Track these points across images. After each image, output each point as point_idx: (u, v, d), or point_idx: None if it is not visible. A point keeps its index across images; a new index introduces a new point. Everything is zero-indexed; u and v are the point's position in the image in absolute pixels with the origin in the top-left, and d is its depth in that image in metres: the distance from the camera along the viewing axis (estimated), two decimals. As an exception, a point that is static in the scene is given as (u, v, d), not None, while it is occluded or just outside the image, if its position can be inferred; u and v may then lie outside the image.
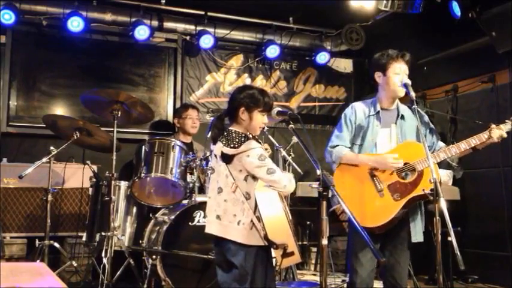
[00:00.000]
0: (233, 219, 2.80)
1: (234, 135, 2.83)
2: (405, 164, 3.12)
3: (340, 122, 3.37)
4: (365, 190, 3.16)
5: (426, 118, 3.36)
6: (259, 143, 2.88)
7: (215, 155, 2.91)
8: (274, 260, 3.02)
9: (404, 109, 3.30)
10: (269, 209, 2.73)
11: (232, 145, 2.79)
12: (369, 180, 3.16)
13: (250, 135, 2.87)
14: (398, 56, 3.24)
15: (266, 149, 3.01)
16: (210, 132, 2.93)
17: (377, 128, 3.26)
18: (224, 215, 2.82)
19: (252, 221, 2.75)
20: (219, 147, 2.85)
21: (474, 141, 3.07)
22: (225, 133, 2.87)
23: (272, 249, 2.78)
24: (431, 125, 3.35)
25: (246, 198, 2.78)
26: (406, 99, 3.31)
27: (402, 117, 3.27)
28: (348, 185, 3.20)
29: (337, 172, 3.28)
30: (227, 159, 2.81)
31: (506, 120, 3.10)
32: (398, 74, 3.21)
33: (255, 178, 2.81)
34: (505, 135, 3.06)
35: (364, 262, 3.16)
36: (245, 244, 2.77)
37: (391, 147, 3.23)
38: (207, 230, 2.93)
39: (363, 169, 3.18)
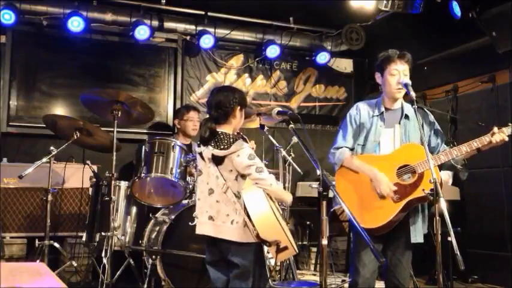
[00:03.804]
0: (226, 219, 2.84)
1: (222, 136, 2.88)
2: (406, 166, 3.11)
3: (345, 123, 3.35)
4: (365, 191, 3.15)
5: (432, 117, 3.33)
6: (246, 141, 2.93)
7: (203, 158, 2.93)
8: (272, 260, 3.02)
9: (408, 109, 3.27)
10: (256, 208, 2.75)
11: (222, 147, 2.84)
12: (369, 181, 3.15)
13: (239, 136, 2.94)
14: (396, 57, 3.21)
15: (252, 148, 3.03)
16: (201, 134, 2.94)
17: (380, 128, 3.24)
18: (217, 216, 2.87)
19: (244, 219, 2.78)
20: (209, 151, 2.88)
21: (476, 144, 3.05)
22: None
23: (266, 247, 2.80)
24: (437, 126, 3.32)
25: (237, 198, 2.82)
26: (406, 99, 3.30)
27: (406, 117, 3.25)
28: (348, 186, 3.20)
29: (338, 173, 3.29)
30: (218, 160, 2.86)
31: (509, 124, 3.09)
32: (394, 75, 3.19)
33: (244, 177, 2.85)
34: (506, 138, 3.05)
35: (367, 262, 3.16)
36: (242, 242, 2.80)
37: (395, 147, 3.22)
38: (198, 231, 2.97)
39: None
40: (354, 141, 3.29)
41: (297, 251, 2.85)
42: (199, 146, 2.98)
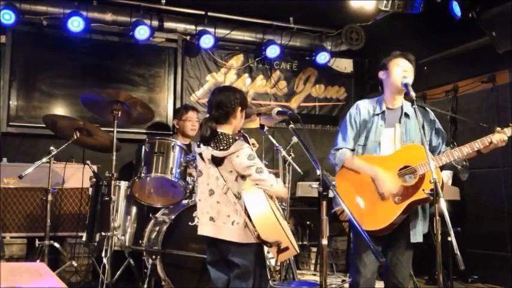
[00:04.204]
0: (227, 219, 2.83)
1: (221, 137, 2.87)
2: (407, 167, 3.10)
3: (345, 123, 3.35)
4: (366, 193, 3.15)
5: (432, 115, 3.33)
6: (247, 140, 2.93)
7: (203, 159, 2.93)
8: (272, 260, 3.02)
9: (409, 107, 3.27)
10: (257, 209, 2.74)
11: (221, 147, 2.83)
12: (370, 183, 3.14)
13: (239, 135, 2.95)
14: (400, 54, 3.27)
15: (253, 144, 3.02)
16: (202, 134, 2.93)
17: (381, 128, 3.24)
18: (218, 217, 2.86)
19: (245, 220, 2.78)
20: (208, 152, 2.87)
21: (477, 145, 3.05)
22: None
23: (267, 248, 2.80)
24: (438, 125, 3.32)
25: (237, 199, 2.81)
26: (406, 99, 3.31)
27: (407, 115, 3.25)
28: (349, 187, 3.19)
29: (339, 174, 3.28)
30: (218, 161, 2.85)
31: (510, 124, 3.09)
32: (399, 66, 3.22)
33: (244, 178, 2.85)
34: (505, 138, 3.05)
35: (368, 262, 3.15)
36: (242, 243, 2.80)
37: (395, 147, 3.22)
38: (199, 232, 2.97)
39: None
40: (355, 142, 3.29)
41: (298, 251, 2.85)
42: (198, 146, 2.97)
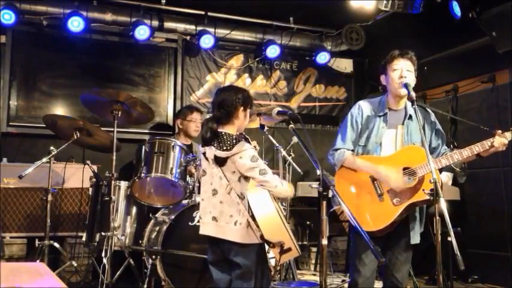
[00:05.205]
0: (230, 219, 2.83)
1: (225, 137, 2.86)
2: (406, 168, 3.10)
3: (346, 123, 3.31)
4: (365, 194, 3.14)
5: (433, 117, 3.32)
6: (249, 142, 2.92)
7: (206, 158, 2.92)
8: (274, 260, 3.01)
9: (412, 108, 3.25)
10: (262, 209, 2.75)
11: (224, 148, 2.82)
12: (369, 184, 3.14)
13: (242, 137, 2.92)
14: (397, 55, 3.22)
15: (254, 146, 3.02)
16: (202, 134, 2.92)
17: (382, 129, 3.22)
18: (220, 217, 2.86)
19: (248, 220, 2.78)
20: (211, 151, 2.87)
21: (477, 148, 3.03)
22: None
23: (270, 248, 2.80)
24: (438, 126, 3.30)
25: (240, 199, 2.81)
26: (408, 100, 3.29)
27: (410, 117, 3.23)
28: (348, 188, 3.19)
29: (338, 175, 3.26)
30: (220, 161, 2.85)
31: (511, 128, 3.08)
32: (396, 70, 3.18)
33: (247, 178, 2.85)
34: (506, 142, 3.04)
35: (367, 262, 3.15)
36: (244, 243, 2.80)
37: (396, 148, 3.20)
38: (202, 232, 2.96)
39: (363, 172, 3.17)
40: (354, 143, 3.26)
41: (300, 252, 2.85)
42: (203, 146, 2.96)
